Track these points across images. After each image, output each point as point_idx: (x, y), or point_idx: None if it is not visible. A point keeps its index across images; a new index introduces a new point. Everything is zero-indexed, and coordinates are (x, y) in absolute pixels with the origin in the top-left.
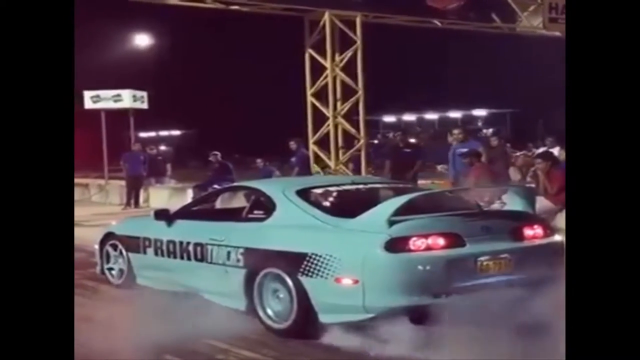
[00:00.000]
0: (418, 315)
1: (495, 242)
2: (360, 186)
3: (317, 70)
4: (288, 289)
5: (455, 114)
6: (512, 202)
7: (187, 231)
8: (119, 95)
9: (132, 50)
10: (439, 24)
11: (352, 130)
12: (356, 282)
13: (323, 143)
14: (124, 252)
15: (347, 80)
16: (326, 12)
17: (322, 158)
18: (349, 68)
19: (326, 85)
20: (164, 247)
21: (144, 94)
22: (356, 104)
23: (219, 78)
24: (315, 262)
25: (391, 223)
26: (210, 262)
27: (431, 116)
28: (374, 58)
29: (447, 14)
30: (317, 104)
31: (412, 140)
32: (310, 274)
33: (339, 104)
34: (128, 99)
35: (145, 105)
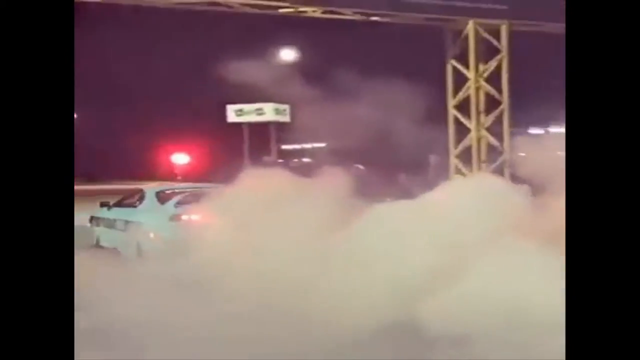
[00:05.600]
0: None
1: None
2: (189, 189)
3: (461, 81)
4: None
5: None
6: None
7: (114, 213)
8: (261, 109)
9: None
10: None
11: (496, 143)
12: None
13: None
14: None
15: (492, 90)
16: (470, 21)
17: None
18: (493, 79)
19: (469, 97)
20: (105, 222)
21: (286, 107)
22: (500, 115)
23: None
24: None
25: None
26: (118, 229)
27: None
28: (518, 68)
29: None
30: (459, 116)
31: None
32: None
33: (482, 116)
34: (270, 112)
35: (287, 119)
